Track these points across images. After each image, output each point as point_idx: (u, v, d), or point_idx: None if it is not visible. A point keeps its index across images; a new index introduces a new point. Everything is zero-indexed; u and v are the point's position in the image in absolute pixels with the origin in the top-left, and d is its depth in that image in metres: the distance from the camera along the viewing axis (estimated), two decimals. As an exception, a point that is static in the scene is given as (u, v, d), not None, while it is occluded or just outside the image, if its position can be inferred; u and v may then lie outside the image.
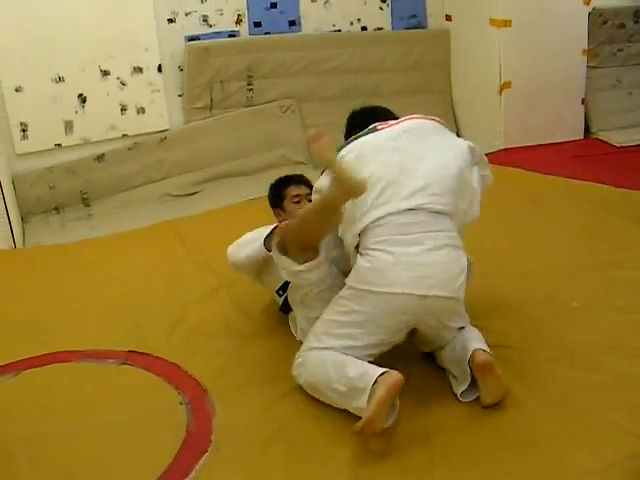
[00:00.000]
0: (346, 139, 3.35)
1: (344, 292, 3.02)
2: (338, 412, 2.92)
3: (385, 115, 3.43)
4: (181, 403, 3.13)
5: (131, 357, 3.53)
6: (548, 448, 2.70)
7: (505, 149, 6.19)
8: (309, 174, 3.97)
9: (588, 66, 6.40)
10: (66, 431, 3.04)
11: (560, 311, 3.61)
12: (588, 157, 6.03)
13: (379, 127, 3.19)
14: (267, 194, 3.85)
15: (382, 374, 2.78)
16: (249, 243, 3.54)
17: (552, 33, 6.08)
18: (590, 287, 3.85)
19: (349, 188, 2.83)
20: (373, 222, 2.95)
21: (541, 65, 6.13)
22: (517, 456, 2.68)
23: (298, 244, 3.10)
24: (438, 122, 3.32)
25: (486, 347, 2.97)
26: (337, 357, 2.95)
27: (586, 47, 6.30)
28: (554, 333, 3.41)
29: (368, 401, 2.74)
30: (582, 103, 6.43)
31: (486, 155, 5.70)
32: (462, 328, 3.11)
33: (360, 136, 3.18)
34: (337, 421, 2.90)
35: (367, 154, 3.06)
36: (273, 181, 3.87)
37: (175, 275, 4.41)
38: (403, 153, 3.06)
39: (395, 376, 2.76)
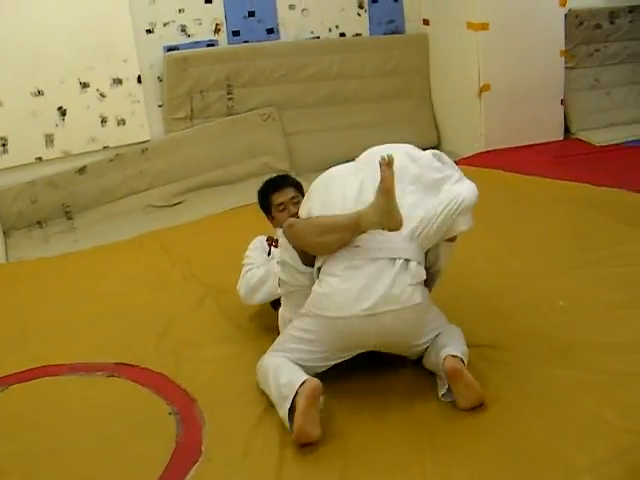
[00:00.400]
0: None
1: (302, 310, 3.08)
2: (327, 417, 2.91)
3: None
4: (170, 413, 3.12)
5: (119, 369, 3.52)
6: (539, 446, 2.70)
7: (486, 151, 6.22)
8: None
9: (566, 67, 6.44)
10: (56, 445, 3.02)
11: (548, 310, 3.62)
12: (569, 157, 6.06)
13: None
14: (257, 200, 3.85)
15: (302, 384, 2.85)
16: (259, 286, 3.59)
17: (529, 35, 6.12)
18: (577, 285, 3.86)
19: (391, 222, 2.87)
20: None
21: (519, 67, 6.17)
22: (508, 454, 2.68)
23: (301, 247, 3.12)
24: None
25: (458, 351, 2.99)
26: (279, 362, 3.04)
27: (563, 48, 6.34)
28: (542, 332, 3.42)
29: (293, 411, 2.82)
30: (561, 104, 6.46)
31: (467, 158, 5.81)
32: (438, 334, 3.13)
33: None
34: (327, 424, 2.88)
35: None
36: (259, 187, 3.87)
37: (161, 286, 4.40)
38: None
39: (311, 384, 2.84)
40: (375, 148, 3.32)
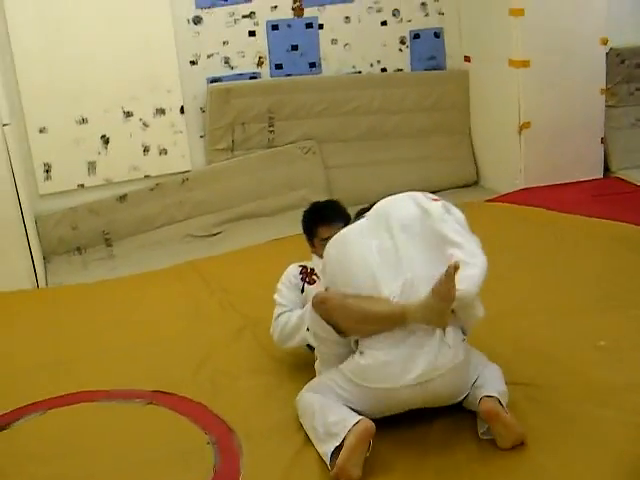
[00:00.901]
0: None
1: (344, 373, 3.03)
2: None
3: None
4: (208, 443, 3.12)
5: (156, 397, 3.53)
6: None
7: (525, 189, 6.19)
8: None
9: (607, 105, 6.41)
10: (93, 471, 3.04)
11: (588, 349, 3.59)
12: (609, 196, 6.02)
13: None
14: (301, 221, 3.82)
15: (356, 423, 2.82)
16: (294, 333, 3.53)
17: (570, 73, 6.11)
18: (617, 325, 3.82)
19: (440, 322, 2.86)
20: None
21: (560, 105, 6.15)
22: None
23: (334, 323, 3.07)
24: None
25: (495, 391, 2.96)
26: (325, 400, 3.01)
27: (604, 86, 6.32)
28: (583, 371, 3.39)
29: (338, 449, 2.80)
30: (601, 142, 6.43)
31: (506, 195, 5.78)
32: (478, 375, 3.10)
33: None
34: (367, 462, 2.86)
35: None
36: (308, 208, 3.83)
37: (199, 315, 4.42)
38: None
39: (366, 425, 2.81)
40: (384, 201, 3.27)
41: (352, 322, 3.00)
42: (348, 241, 3.16)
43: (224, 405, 3.40)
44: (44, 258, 5.57)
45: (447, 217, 3.15)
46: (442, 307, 2.82)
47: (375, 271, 3.00)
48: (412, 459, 2.90)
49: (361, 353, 2.97)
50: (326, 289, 3.20)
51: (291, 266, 3.72)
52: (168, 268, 5.25)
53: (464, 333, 3.06)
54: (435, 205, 3.20)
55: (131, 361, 3.95)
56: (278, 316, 3.61)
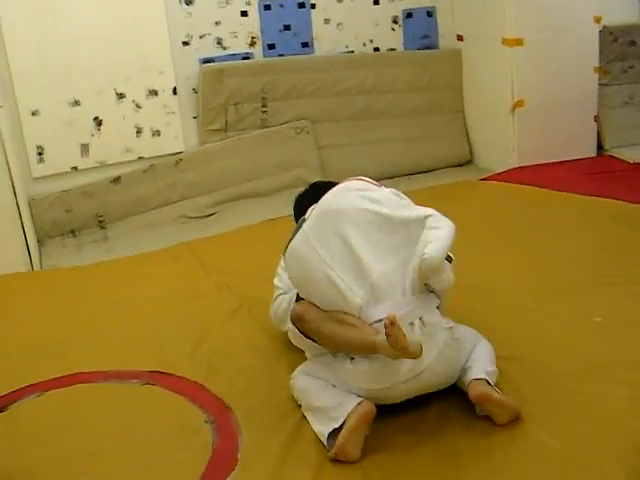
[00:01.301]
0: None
1: (333, 375, 2.99)
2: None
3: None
4: (206, 422, 3.12)
5: (154, 377, 3.52)
6: (573, 458, 2.68)
7: (519, 167, 6.21)
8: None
9: (600, 83, 6.43)
10: (91, 451, 3.03)
11: (584, 326, 3.58)
12: (602, 174, 6.04)
13: (306, 216, 3.17)
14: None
15: (357, 404, 2.80)
16: (286, 317, 3.43)
17: (564, 51, 6.12)
18: (611, 302, 3.82)
19: (409, 356, 2.75)
20: None
21: (553, 83, 6.16)
22: (543, 468, 2.66)
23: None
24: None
25: (482, 372, 2.93)
26: (320, 383, 2.99)
27: (597, 65, 6.33)
28: (579, 347, 3.38)
29: (337, 430, 2.78)
30: (595, 120, 6.45)
31: (500, 173, 5.80)
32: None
33: (294, 233, 3.15)
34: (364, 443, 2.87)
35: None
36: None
37: (195, 296, 4.42)
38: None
39: (367, 407, 2.79)
40: (323, 202, 3.13)
41: (327, 345, 3.02)
42: (302, 257, 3.05)
43: (221, 384, 3.39)
44: (38, 241, 5.57)
45: (404, 201, 3.13)
46: (398, 355, 2.74)
47: (339, 285, 2.92)
48: (410, 438, 2.89)
49: (351, 359, 2.93)
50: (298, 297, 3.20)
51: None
52: (163, 249, 5.25)
53: (438, 307, 3.04)
54: (385, 192, 3.15)
55: (127, 342, 3.94)
56: (275, 299, 3.60)
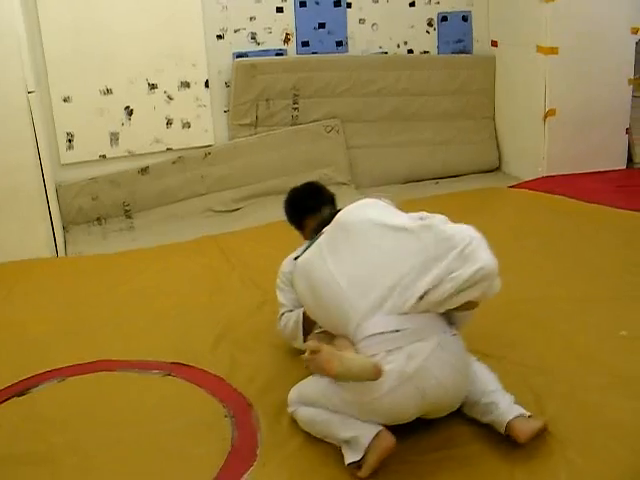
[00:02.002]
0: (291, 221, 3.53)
1: (334, 393, 2.89)
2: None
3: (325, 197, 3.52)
4: (226, 416, 3.13)
5: (175, 369, 3.54)
6: (595, 474, 2.67)
7: (548, 176, 6.16)
8: (350, 194, 3.90)
9: (634, 95, 6.36)
10: (111, 439, 3.05)
11: (609, 339, 3.56)
12: (632, 187, 5.98)
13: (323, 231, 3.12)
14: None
15: (375, 437, 2.73)
16: (294, 336, 3.44)
17: (598, 61, 6.07)
18: (637, 315, 3.79)
19: (368, 378, 2.68)
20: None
21: (586, 93, 6.12)
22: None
23: None
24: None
25: (516, 410, 2.85)
26: (324, 415, 2.89)
27: (632, 76, 6.27)
28: (604, 360, 3.37)
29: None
30: (626, 132, 6.39)
31: (528, 182, 5.76)
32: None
33: (307, 247, 3.14)
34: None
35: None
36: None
37: (219, 289, 4.42)
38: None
39: (387, 442, 2.72)
40: (339, 217, 3.10)
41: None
42: (311, 269, 3.03)
43: (242, 379, 3.40)
44: (64, 228, 5.58)
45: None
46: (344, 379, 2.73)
47: (341, 298, 2.86)
48: (432, 453, 2.88)
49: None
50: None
51: (284, 262, 3.53)
52: (188, 241, 5.26)
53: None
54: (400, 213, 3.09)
55: (150, 332, 3.96)
56: (280, 316, 3.52)
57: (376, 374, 2.64)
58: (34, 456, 2.97)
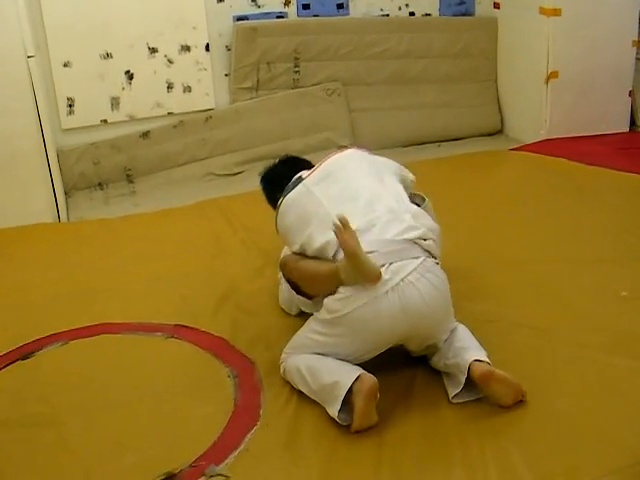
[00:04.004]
0: (270, 199, 3.56)
1: (316, 324, 2.99)
2: (385, 385, 2.89)
3: (302, 165, 3.51)
4: (229, 377, 3.15)
5: (178, 331, 3.55)
6: (594, 429, 2.69)
7: (549, 139, 6.13)
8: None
9: (637, 58, 6.32)
10: (114, 401, 3.07)
11: (609, 299, 3.57)
12: (634, 149, 5.95)
13: (304, 176, 3.24)
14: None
15: (355, 381, 2.76)
16: (288, 304, 3.59)
17: (602, 23, 6.01)
18: (638, 276, 3.80)
19: (367, 279, 2.77)
20: None
21: (589, 55, 6.06)
22: (564, 436, 2.68)
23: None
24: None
25: (483, 355, 2.89)
26: (310, 361, 2.94)
27: (636, 38, 6.21)
28: (605, 321, 3.37)
29: (350, 412, 2.76)
30: (629, 95, 6.35)
31: (530, 145, 5.75)
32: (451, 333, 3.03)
33: (290, 189, 3.23)
34: (385, 397, 2.87)
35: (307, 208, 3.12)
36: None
37: (221, 252, 4.43)
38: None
39: (369, 383, 2.75)
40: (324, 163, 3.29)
41: (305, 282, 3.06)
42: (299, 202, 3.17)
43: (245, 341, 3.42)
44: (65, 193, 5.56)
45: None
46: (358, 266, 2.76)
47: (328, 220, 2.91)
48: (428, 400, 2.93)
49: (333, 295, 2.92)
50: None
51: (283, 251, 3.52)
52: (190, 205, 5.25)
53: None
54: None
55: (152, 295, 3.97)
56: (280, 285, 3.63)
57: (377, 277, 2.77)
58: (38, 418, 3.00)
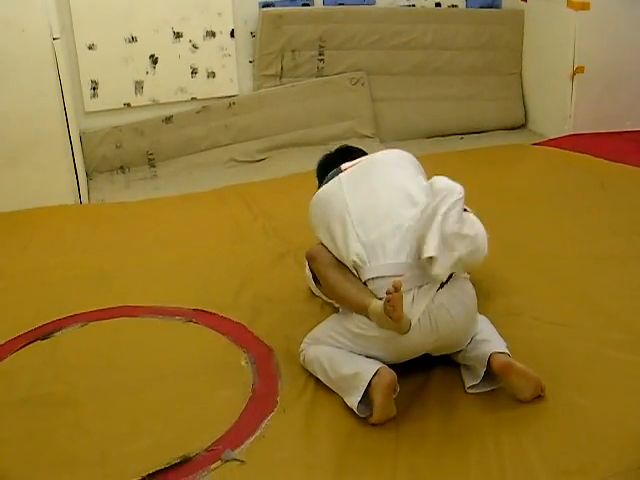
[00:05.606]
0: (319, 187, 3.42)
1: (342, 329, 2.96)
2: (403, 377, 2.88)
3: (354, 155, 3.44)
4: (247, 362, 3.16)
5: (197, 315, 3.56)
6: (612, 426, 2.69)
7: (573, 134, 6.08)
8: (375, 147, 3.91)
9: (666, 55, 6.27)
10: (132, 383, 3.08)
11: (630, 297, 3.54)
12: (659, 147, 5.92)
13: (343, 167, 3.25)
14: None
15: (375, 375, 2.75)
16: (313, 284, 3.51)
17: (631, 18, 5.94)
18: (663, 275, 3.78)
19: (398, 332, 2.73)
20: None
21: (617, 51, 6.00)
22: (580, 433, 2.67)
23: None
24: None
25: (503, 346, 2.89)
26: (330, 352, 2.94)
27: (665, 34, 6.17)
28: (624, 318, 3.35)
29: (368, 404, 2.76)
30: (656, 92, 6.31)
31: (554, 139, 5.69)
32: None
33: (328, 180, 3.24)
34: (404, 389, 2.86)
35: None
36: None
37: (241, 238, 4.43)
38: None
39: (388, 378, 2.74)
40: (372, 157, 3.32)
41: (328, 290, 3.06)
42: (328, 200, 3.16)
43: (264, 327, 3.42)
44: (87, 175, 5.58)
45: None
46: (388, 324, 2.72)
47: (348, 229, 2.95)
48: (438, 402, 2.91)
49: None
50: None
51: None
52: (211, 191, 5.24)
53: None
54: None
55: (172, 280, 3.97)
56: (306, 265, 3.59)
57: (407, 332, 2.72)
58: (56, 397, 3.02)
